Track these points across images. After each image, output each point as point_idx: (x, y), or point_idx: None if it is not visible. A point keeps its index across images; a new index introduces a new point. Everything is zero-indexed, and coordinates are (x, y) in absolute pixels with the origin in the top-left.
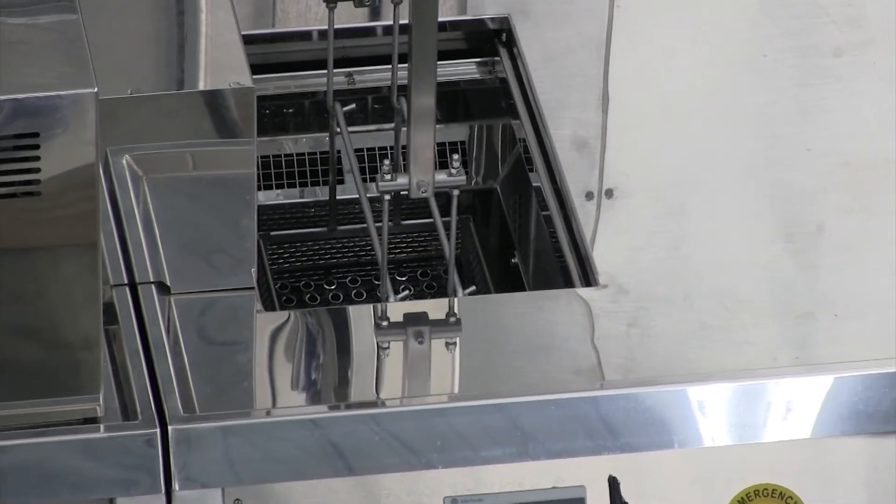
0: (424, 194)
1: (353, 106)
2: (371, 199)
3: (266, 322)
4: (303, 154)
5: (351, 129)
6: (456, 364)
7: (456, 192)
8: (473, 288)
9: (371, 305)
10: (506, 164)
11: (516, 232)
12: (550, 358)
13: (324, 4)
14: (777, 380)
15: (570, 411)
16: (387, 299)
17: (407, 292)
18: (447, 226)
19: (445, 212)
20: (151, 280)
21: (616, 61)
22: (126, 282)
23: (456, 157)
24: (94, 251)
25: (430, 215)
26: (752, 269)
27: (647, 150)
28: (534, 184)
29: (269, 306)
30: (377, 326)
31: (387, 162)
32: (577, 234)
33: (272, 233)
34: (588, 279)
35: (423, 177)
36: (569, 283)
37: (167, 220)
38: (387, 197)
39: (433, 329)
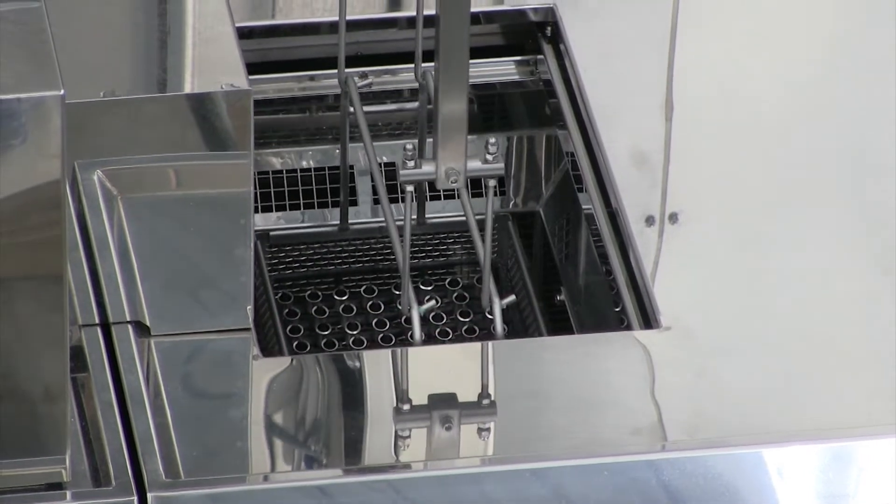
0: (455, 185)
1: (370, 80)
2: (391, 190)
3: (265, 370)
4: (308, 170)
5: (367, 109)
6: (490, 421)
7: (493, 183)
8: (513, 297)
9: (389, 350)
10: (550, 183)
11: (563, 263)
12: (602, 414)
13: None
14: (873, 441)
15: (626, 478)
16: (409, 310)
17: (433, 303)
18: (482, 224)
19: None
20: (128, 319)
21: (682, 59)
22: (98, 321)
23: (492, 140)
24: (60, 285)
25: (460, 210)
26: (845, 309)
27: (718, 167)
28: (584, 206)
29: (267, 323)
30: (396, 375)
31: (409, 146)
32: (634, 267)
33: (272, 232)
34: (648, 320)
35: (452, 164)
36: (625, 325)
37: (147, 248)
38: (409, 188)
39: (463, 379)
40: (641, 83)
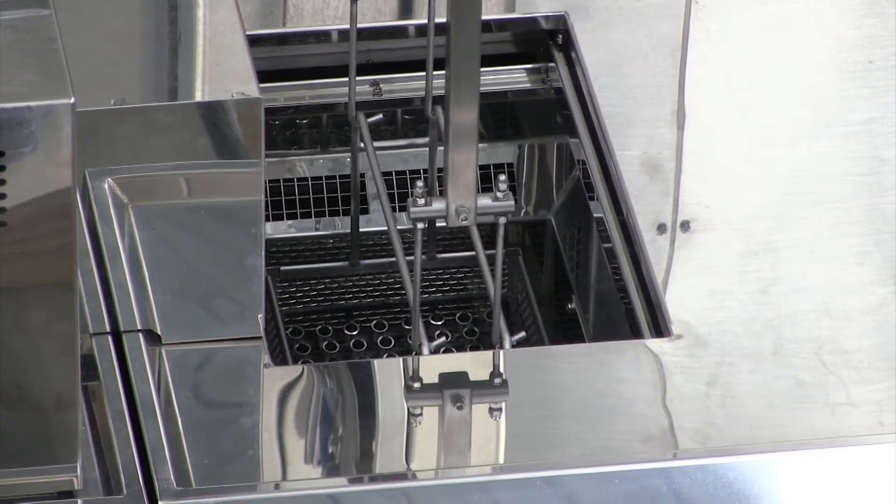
0: (465, 222)
1: (380, 116)
2: (401, 230)
3: (275, 378)
4: (319, 178)
5: (377, 144)
6: (501, 429)
7: (502, 220)
8: (523, 334)
9: (400, 359)
10: (562, 191)
11: (574, 272)
12: (613, 422)
13: None
14: (883, 447)
15: (638, 486)
16: (419, 346)
17: (443, 339)
18: (492, 260)
19: (489, 244)
20: (139, 328)
21: (694, 68)
22: (109, 330)
23: (503, 177)
24: (70, 293)
25: (470, 247)
26: (855, 317)
27: (730, 175)
28: (595, 214)
29: (278, 357)
30: (408, 384)
31: (420, 184)
32: (646, 275)
33: (283, 267)
34: (659, 328)
35: (463, 201)
36: (636, 334)
37: (158, 256)
38: (420, 226)
39: (474, 388)
40: (653, 91)
